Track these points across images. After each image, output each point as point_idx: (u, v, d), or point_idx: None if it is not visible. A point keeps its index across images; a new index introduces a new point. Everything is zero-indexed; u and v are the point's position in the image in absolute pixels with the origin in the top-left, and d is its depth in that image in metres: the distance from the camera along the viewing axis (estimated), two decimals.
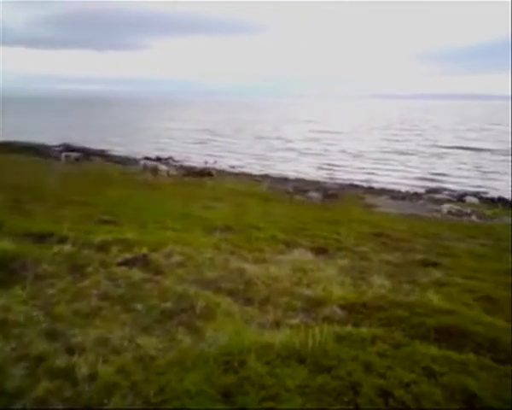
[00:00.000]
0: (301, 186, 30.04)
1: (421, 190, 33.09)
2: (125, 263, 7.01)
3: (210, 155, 46.05)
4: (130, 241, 8.18)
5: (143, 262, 7.15)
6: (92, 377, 3.99)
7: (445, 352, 4.56)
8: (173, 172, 32.58)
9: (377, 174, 38.57)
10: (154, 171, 29.79)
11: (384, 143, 58.61)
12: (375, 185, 34.47)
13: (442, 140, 62.52)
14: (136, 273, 6.61)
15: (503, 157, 47.37)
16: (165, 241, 8.48)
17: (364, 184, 34.65)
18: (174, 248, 8.01)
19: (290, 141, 61.02)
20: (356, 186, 33.65)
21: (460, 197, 31.14)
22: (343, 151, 51.38)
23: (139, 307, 5.58)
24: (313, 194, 26.05)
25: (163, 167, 31.88)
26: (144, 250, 7.61)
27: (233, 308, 5.82)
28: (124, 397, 3.72)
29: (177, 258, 7.65)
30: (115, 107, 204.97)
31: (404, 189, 33.28)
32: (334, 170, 40.29)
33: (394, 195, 31.32)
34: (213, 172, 34.03)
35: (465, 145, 56.07)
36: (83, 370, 4.06)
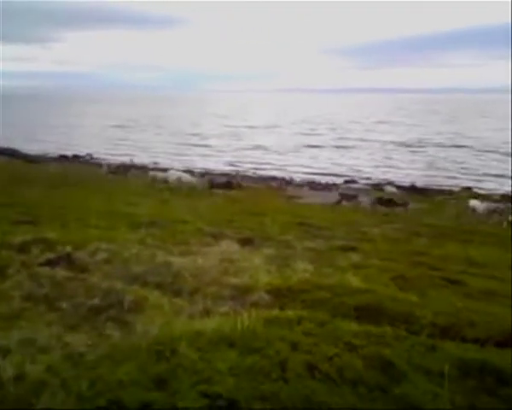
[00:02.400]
0: (225, 180, 30.25)
1: (340, 181, 34.53)
2: (48, 263, 6.81)
3: (127, 155, 44.83)
4: (51, 240, 7.93)
5: (67, 261, 6.98)
6: (19, 377, 3.88)
7: (365, 327, 4.91)
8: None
9: (296, 166, 39.67)
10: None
11: (299, 137, 60.10)
12: (296, 177, 35.49)
13: (353, 132, 65.18)
14: (60, 272, 6.45)
15: (410, 149, 50.39)
16: (89, 239, 8.31)
17: (286, 177, 35.56)
18: (99, 246, 7.88)
19: (207, 138, 60.25)
20: (277, 179, 34.43)
21: (376, 186, 32.85)
22: (260, 145, 52.02)
23: (65, 305, 5.47)
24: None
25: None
26: (68, 249, 7.42)
27: (162, 301, 5.86)
28: (54, 395, 3.67)
29: (102, 255, 7.54)
30: (21, 103, 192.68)
31: (323, 180, 34.53)
32: (253, 163, 40.83)
33: (314, 186, 32.44)
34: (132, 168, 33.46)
35: (374, 138, 58.85)
36: (8, 371, 3.94)
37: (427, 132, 64.53)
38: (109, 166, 34.76)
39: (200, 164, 39.46)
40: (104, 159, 41.45)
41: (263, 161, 42.24)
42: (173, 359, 3.99)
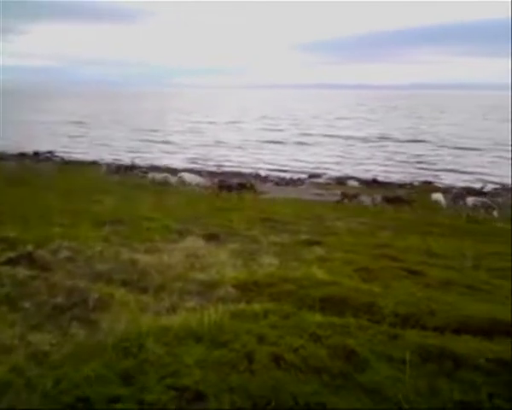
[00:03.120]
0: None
1: (304, 176, 34.87)
2: (9, 262, 6.65)
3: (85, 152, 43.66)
4: (12, 239, 7.75)
5: (29, 260, 6.84)
6: None
7: (329, 318, 5.03)
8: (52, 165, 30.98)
9: (259, 162, 39.80)
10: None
11: (263, 133, 60.17)
12: (261, 173, 35.63)
13: (316, 128, 65.75)
14: (22, 271, 6.32)
15: (371, 144, 51.33)
16: (51, 237, 8.15)
17: (252, 172, 35.65)
18: (61, 244, 7.75)
19: (169, 134, 59.27)
20: (242, 174, 34.47)
21: (339, 181, 33.35)
22: (223, 141, 51.79)
23: (27, 304, 5.37)
24: (205, 183, 26.14)
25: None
26: (29, 248, 7.26)
27: (128, 298, 5.83)
28: (18, 394, 3.62)
29: (64, 253, 7.42)
30: None
31: (287, 175, 34.81)
32: (217, 160, 40.67)
33: (279, 181, 32.67)
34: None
35: (336, 133, 59.58)
36: None
37: (387, 128, 65.86)
38: (65, 161, 34.07)
39: (162, 161, 38.88)
40: (63, 157, 40.43)
41: (226, 157, 42.11)
42: (140, 354, 4.00)
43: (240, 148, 47.98)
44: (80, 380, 3.64)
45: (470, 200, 20.15)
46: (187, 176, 27.00)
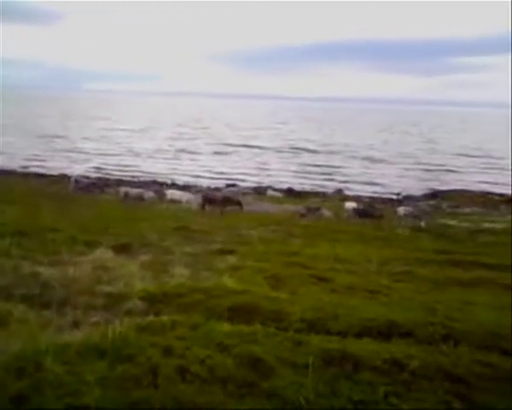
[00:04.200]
0: (100, 185, 29.06)
1: (222, 185, 34.98)
2: None
3: None
4: None
5: None
6: None
7: (237, 327, 5.08)
8: None
9: (174, 171, 39.28)
10: None
11: (178, 142, 59.25)
12: (178, 182, 35.24)
13: (232, 138, 65.98)
14: None
15: (285, 154, 52.53)
16: None
17: (168, 181, 35.14)
18: None
19: (75, 141, 56.02)
20: (159, 183, 33.89)
21: (257, 190, 33.81)
22: (135, 150, 50.28)
23: None
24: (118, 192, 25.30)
25: None
26: None
27: (28, 314, 5.52)
28: None
29: None
30: None
31: (204, 184, 34.72)
32: (128, 169, 39.45)
33: (197, 190, 32.48)
34: None
35: (251, 144, 60.16)
36: None
37: (301, 139, 67.78)
38: None
39: (65, 170, 36.59)
40: None
41: (137, 166, 40.97)
42: (37, 374, 3.79)
43: (153, 157, 46.94)
44: None
45: (401, 209, 21.04)
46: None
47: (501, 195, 31.75)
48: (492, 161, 50.18)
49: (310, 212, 20.94)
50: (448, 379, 4.29)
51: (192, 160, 46.02)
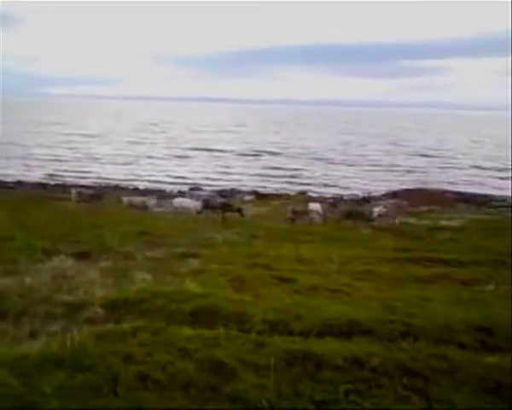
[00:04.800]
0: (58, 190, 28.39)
1: (185, 188, 34.73)
2: None
3: None
4: None
5: None
6: None
7: (199, 331, 5.06)
8: None
9: (135, 176, 38.70)
10: None
11: (137, 147, 58.18)
12: (140, 186, 34.78)
13: (192, 142, 65.39)
14: None
15: (245, 157, 52.50)
16: None
17: (129, 186, 34.62)
18: None
19: (31, 147, 53.93)
20: (120, 188, 33.33)
21: (221, 194, 33.73)
22: (92, 155, 49.12)
23: None
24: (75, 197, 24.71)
25: None
26: None
27: None
28: None
29: None
30: None
31: (168, 188, 34.39)
32: (90, 174, 38.62)
33: (160, 194, 32.09)
34: None
35: (212, 147, 59.77)
36: None
37: (262, 141, 67.99)
38: None
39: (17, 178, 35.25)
40: None
41: (95, 172, 40.03)
42: None
43: (112, 162, 45.97)
44: None
45: (376, 210, 21.26)
46: None
47: (456, 193, 32.79)
48: (447, 160, 51.80)
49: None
50: (407, 375, 4.40)
51: (152, 164, 45.37)
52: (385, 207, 23.34)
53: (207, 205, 21.58)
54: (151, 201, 24.53)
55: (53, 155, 48.50)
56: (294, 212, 20.65)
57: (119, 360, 4.16)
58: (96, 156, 48.82)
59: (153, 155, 52.02)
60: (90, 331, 4.81)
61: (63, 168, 40.81)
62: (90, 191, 26.08)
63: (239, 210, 20.49)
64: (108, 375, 3.91)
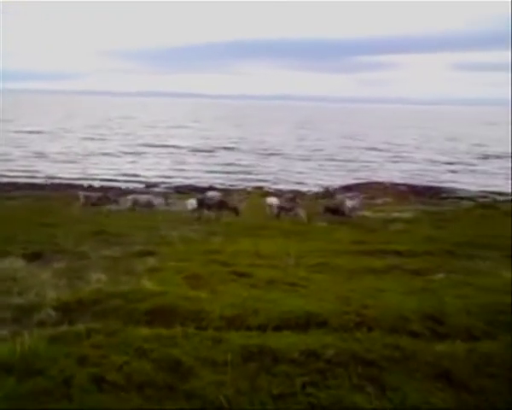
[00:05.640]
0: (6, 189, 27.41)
1: (141, 186, 34.19)
2: None
3: None
4: None
5: None
6: None
7: (156, 330, 5.01)
8: None
9: (89, 174, 37.76)
10: None
11: (91, 143, 56.76)
12: (95, 184, 33.98)
13: (146, 138, 64.16)
14: None
15: (204, 153, 52.09)
16: None
17: (84, 184, 33.77)
18: None
19: None
20: (74, 186, 32.46)
21: (178, 190, 33.38)
22: (43, 153, 47.54)
23: None
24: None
25: None
26: None
27: None
28: None
29: None
30: None
31: (123, 186, 33.76)
32: (40, 173, 37.31)
33: (115, 192, 31.47)
34: None
35: (167, 143, 58.88)
36: None
37: (218, 137, 67.65)
38: None
39: None
40: None
41: (45, 171, 38.67)
42: None
43: (66, 160, 44.56)
44: None
45: (350, 203, 21.33)
46: None
47: (409, 185, 33.76)
48: (400, 154, 53.19)
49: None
50: (361, 364, 4.51)
51: (105, 162, 44.33)
52: (351, 199, 23.62)
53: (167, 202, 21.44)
54: (106, 199, 24.06)
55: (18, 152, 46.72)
56: (254, 206, 20.56)
57: (73, 363, 4.07)
58: (47, 154, 47.28)
59: (106, 151, 50.88)
60: (41, 335, 4.66)
61: (7, 168, 39.14)
62: (38, 192, 25.30)
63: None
64: (61, 379, 3.82)
